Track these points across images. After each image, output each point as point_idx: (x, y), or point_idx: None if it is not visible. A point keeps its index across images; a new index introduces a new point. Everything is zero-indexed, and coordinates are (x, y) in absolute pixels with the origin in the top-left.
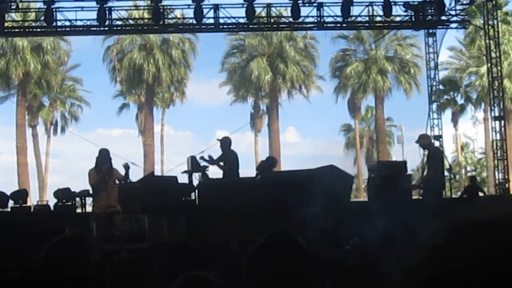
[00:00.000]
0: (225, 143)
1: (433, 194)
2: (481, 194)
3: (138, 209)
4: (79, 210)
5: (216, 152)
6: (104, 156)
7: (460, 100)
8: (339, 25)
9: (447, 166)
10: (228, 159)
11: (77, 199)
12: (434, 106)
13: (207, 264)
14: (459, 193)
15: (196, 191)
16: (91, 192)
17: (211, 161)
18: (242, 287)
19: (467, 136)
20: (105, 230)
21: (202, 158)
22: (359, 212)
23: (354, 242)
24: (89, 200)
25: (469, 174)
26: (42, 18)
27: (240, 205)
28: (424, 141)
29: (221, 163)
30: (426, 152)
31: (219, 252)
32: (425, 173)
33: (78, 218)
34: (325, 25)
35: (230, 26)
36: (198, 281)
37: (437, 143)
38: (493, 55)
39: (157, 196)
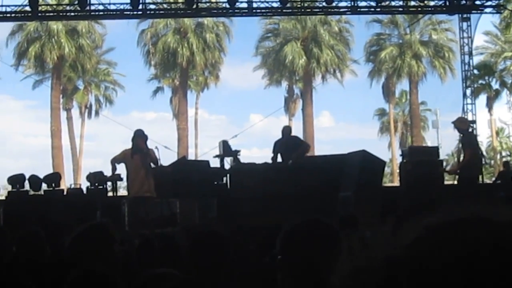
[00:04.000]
0: (285, 131)
1: (469, 179)
2: None
3: (169, 194)
4: (110, 194)
5: (249, 136)
6: (139, 137)
7: (495, 85)
8: (372, 9)
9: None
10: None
11: (109, 182)
12: (468, 91)
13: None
14: (493, 179)
15: (228, 175)
16: (123, 176)
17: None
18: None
19: (503, 121)
20: (137, 215)
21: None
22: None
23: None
24: (122, 184)
25: (504, 159)
26: (76, 2)
27: (271, 190)
28: (460, 125)
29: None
30: (460, 137)
31: (250, 236)
32: (461, 158)
33: (110, 203)
34: (358, 9)
35: (263, 11)
36: None
37: (470, 129)
38: None
39: (189, 180)
